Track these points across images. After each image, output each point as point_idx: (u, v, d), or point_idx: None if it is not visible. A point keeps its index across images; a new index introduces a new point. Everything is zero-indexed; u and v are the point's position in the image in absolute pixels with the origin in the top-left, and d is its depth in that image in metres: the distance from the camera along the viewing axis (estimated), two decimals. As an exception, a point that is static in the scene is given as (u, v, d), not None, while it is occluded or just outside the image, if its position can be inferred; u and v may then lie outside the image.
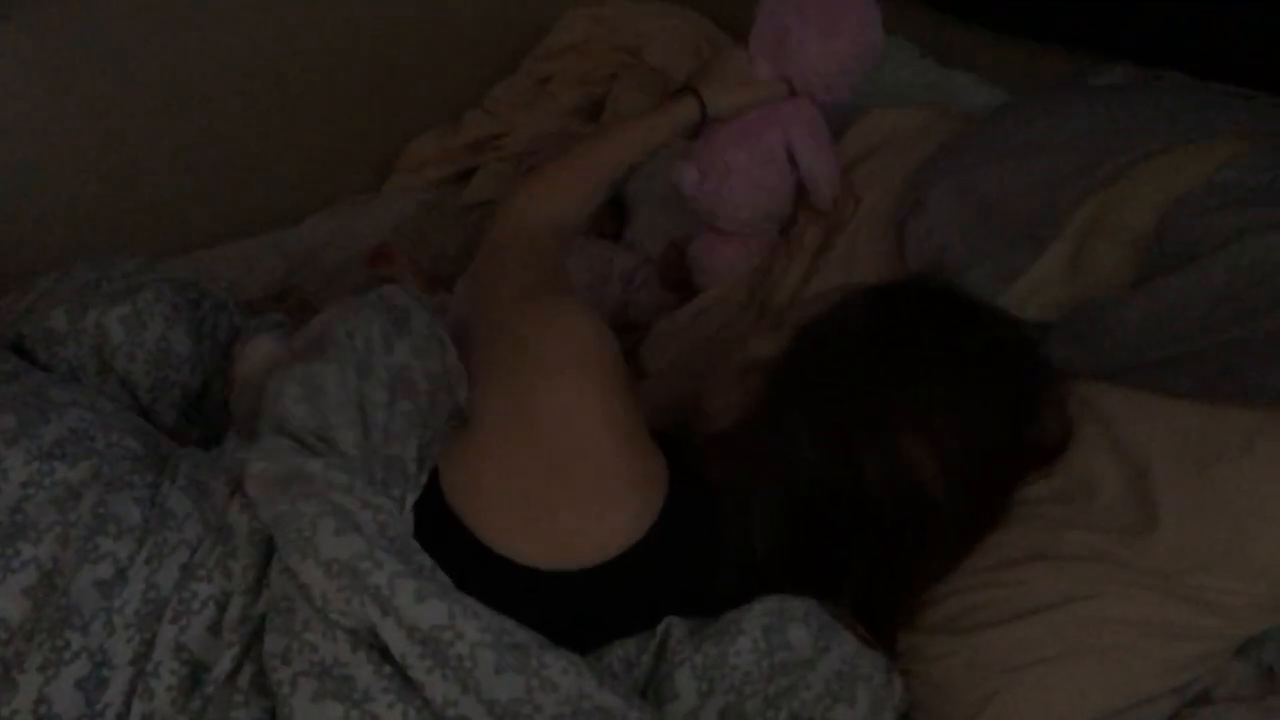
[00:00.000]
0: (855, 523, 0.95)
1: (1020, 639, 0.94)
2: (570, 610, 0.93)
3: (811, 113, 1.28)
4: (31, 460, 0.91)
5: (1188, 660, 0.93)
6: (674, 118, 1.23)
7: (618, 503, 0.94)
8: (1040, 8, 1.47)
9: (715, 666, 0.92)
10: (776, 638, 0.93)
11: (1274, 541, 0.90)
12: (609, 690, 0.87)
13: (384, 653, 0.86)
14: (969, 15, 1.56)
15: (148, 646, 0.88)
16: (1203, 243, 1.03)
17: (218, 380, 1.20)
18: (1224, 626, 0.93)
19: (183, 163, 1.73)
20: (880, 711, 0.95)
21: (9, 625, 0.86)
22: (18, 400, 0.96)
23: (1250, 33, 1.28)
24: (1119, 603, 0.93)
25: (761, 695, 0.92)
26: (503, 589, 0.91)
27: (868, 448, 0.93)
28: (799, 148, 1.27)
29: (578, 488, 0.94)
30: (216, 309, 1.22)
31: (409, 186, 1.85)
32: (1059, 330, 1.07)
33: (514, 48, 1.98)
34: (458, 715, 0.84)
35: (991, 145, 1.19)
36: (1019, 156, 1.15)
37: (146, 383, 1.12)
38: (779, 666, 0.93)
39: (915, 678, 0.98)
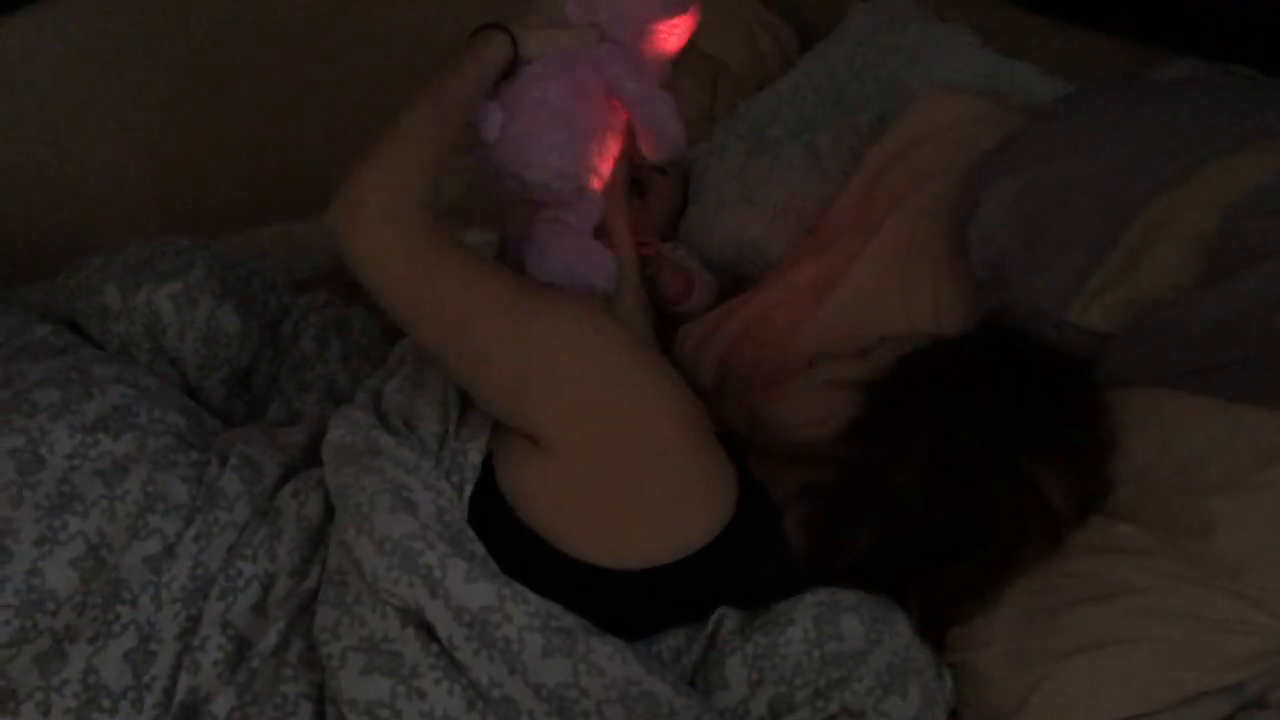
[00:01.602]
0: (956, 533, 0.95)
1: (1068, 628, 0.93)
2: (629, 602, 0.93)
3: (626, 57, 1.15)
4: (75, 433, 0.93)
5: (1241, 657, 0.91)
6: (482, 60, 1.06)
7: (688, 509, 0.93)
8: (1105, -3, 1.44)
9: (765, 656, 0.92)
10: (828, 628, 0.93)
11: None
12: (657, 677, 0.87)
13: (432, 630, 0.87)
14: (1030, 3, 1.53)
15: (194, 622, 0.90)
16: (1269, 244, 1.01)
17: (265, 356, 1.21)
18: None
19: (233, 146, 1.75)
20: (932, 706, 0.95)
21: (56, 597, 0.88)
22: (61, 375, 0.98)
23: (1323, 28, 1.24)
24: (1171, 596, 0.92)
25: (812, 686, 0.92)
26: (560, 582, 0.91)
27: (987, 467, 0.94)
28: (626, 85, 1.13)
29: (647, 494, 0.92)
30: (266, 288, 1.23)
31: (456, 169, 1.84)
32: (1122, 339, 1.05)
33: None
34: (503, 696, 0.85)
35: (1053, 142, 1.16)
36: (1082, 155, 1.12)
37: (196, 360, 1.13)
38: (830, 658, 0.92)
39: (956, 668, 0.98)
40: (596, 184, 1.16)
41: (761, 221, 1.43)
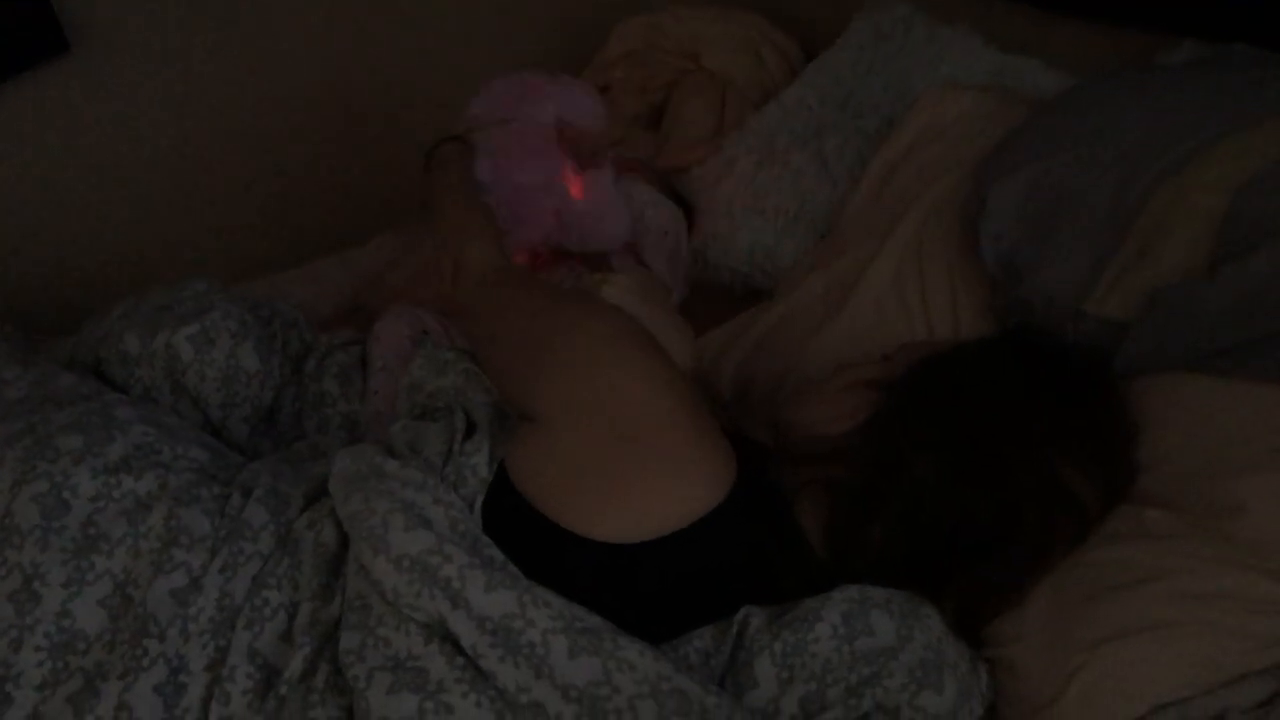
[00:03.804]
0: (982, 529, 0.94)
1: (1103, 615, 0.91)
2: (647, 586, 0.92)
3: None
4: (98, 475, 0.94)
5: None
6: (453, 156, 1.33)
7: (689, 472, 0.94)
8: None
9: (795, 654, 0.91)
10: (858, 624, 0.92)
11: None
12: (685, 676, 0.87)
13: (456, 644, 0.87)
14: None
15: (222, 652, 0.90)
16: (1279, 222, 1.00)
17: (288, 394, 1.23)
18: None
19: (253, 191, 1.78)
20: (968, 699, 0.93)
21: (86, 636, 0.89)
22: (84, 420, 0.99)
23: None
24: (1206, 578, 0.90)
25: (844, 684, 0.91)
26: (579, 568, 0.91)
27: (1009, 461, 0.94)
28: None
29: (649, 460, 0.93)
30: (286, 326, 1.25)
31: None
32: (1139, 327, 1.04)
33: (573, 59, 1.99)
34: (531, 701, 0.85)
35: (1059, 134, 1.16)
36: (1088, 145, 1.12)
37: (217, 399, 1.15)
38: (861, 654, 0.91)
39: (992, 662, 0.96)
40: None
41: (774, 230, 1.43)
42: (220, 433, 1.16)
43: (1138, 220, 1.07)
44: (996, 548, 0.94)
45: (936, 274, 1.25)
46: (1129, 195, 1.08)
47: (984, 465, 0.94)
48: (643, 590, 0.92)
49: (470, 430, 1.02)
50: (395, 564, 0.88)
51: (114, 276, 1.68)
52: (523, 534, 0.93)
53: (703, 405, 0.99)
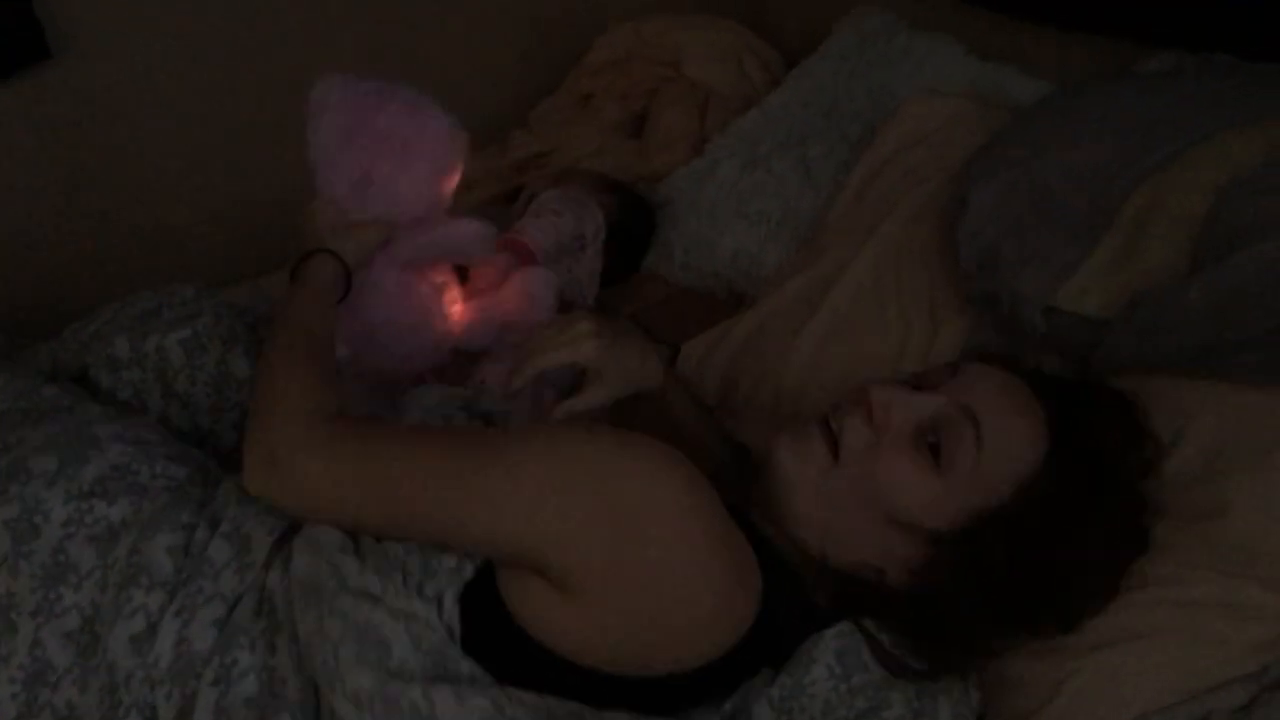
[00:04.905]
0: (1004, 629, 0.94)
1: (1091, 625, 0.92)
2: (651, 696, 0.89)
3: (418, 229, 1.19)
4: (70, 500, 0.92)
5: (1264, 642, 0.91)
6: (318, 288, 1.07)
7: (715, 630, 0.87)
8: (1083, -2, 1.46)
9: (793, 697, 0.90)
10: (852, 659, 0.91)
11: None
12: None
13: None
14: (1011, 9, 1.55)
15: (189, 702, 0.87)
16: (1258, 225, 1.02)
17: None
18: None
19: (235, 194, 1.77)
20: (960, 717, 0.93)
21: (55, 668, 0.88)
22: (60, 440, 0.97)
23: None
24: (1192, 586, 0.91)
25: (842, 718, 0.90)
26: (577, 684, 0.86)
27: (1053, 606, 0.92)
28: (426, 247, 1.20)
29: (678, 630, 0.86)
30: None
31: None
32: (1120, 325, 1.05)
33: (557, 65, 1.99)
34: None
35: (1039, 138, 1.18)
36: (1068, 148, 1.14)
37: (207, 404, 1.14)
38: (857, 689, 0.90)
39: (982, 672, 0.96)
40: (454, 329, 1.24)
41: (757, 235, 1.44)
42: (209, 437, 1.15)
43: (1116, 220, 1.09)
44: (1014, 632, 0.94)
45: (915, 275, 1.26)
46: (1109, 195, 1.10)
47: (1022, 610, 0.92)
48: (644, 700, 0.89)
49: None
50: (353, 700, 0.83)
51: (95, 280, 1.67)
52: (506, 636, 0.87)
53: (718, 510, 0.87)
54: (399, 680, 0.83)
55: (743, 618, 0.87)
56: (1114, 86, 1.24)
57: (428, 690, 0.82)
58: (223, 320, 1.16)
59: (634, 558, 0.82)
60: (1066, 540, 0.88)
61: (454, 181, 1.19)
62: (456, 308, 1.25)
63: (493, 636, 0.86)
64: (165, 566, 0.91)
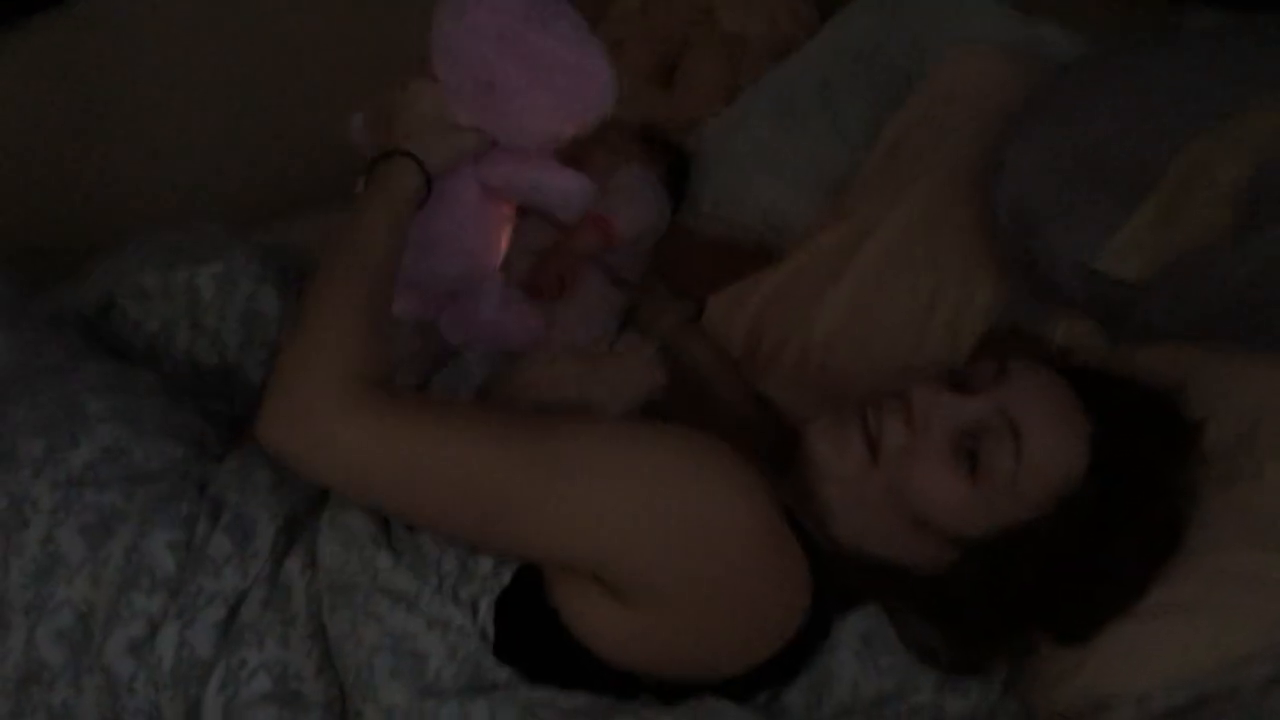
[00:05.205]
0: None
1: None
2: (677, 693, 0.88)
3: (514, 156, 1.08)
4: (58, 488, 0.89)
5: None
6: (396, 197, 0.95)
7: (772, 637, 0.87)
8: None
9: (821, 682, 0.90)
10: (877, 640, 0.91)
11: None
12: None
13: None
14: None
15: (193, 705, 0.86)
16: (1305, 192, 1.00)
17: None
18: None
19: (256, 136, 1.76)
20: (988, 694, 0.94)
21: (51, 668, 0.86)
22: (50, 420, 0.93)
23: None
24: (1224, 559, 0.91)
25: (871, 700, 0.91)
26: (618, 685, 0.86)
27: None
28: (517, 184, 1.09)
29: (737, 638, 0.86)
30: (301, 274, 1.24)
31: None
32: (1158, 289, 1.04)
33: (586, 12, 1.96)
34: None
35: (1081, 95, 1.15)
36: (1110, 106, 1.11)
37: (235, 341, 1.14)
38: (885, 669, 0.91)
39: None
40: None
41: (787, 188, 1.42)
42: (234, 374, 1.15)
43: (1159, 183, 1.07)
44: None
45: (949, 235, 1.24)
46: (1151, 158, 1.07)
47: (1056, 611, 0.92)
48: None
49: None
50: (387, 715, 0.82)
51: (114, 221, 1.66)
52: (546, 639, 0.85)
53: (774, 508, 0.85)
54: (433, 698, 0.81)
55: (795, 621, 0.86)
56: (1157, 46, 1.21)
57: (464, 705, 0.81)
58: (254, 258, 1.16)
59: (700, 569, 0.81)
60: (1099, 557, 0.87)
61: (578, 130, 1.05)
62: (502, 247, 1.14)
63: (529, 639, 0.85)
64: (167, 565, 0.88)
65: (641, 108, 1.73)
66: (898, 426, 0.89)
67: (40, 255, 1.50)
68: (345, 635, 0.84)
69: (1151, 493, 0.89)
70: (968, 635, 0.91)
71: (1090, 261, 1.06)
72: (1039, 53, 1.40)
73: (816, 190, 1.42)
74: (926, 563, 0.89)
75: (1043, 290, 1.12)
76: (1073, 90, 1.16)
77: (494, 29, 0.98)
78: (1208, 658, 0.90)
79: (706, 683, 0.87)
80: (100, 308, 1.15)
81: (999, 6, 1.51)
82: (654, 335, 1.37)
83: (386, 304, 0.90)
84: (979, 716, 0.93)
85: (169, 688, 0.85)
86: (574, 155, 1.10)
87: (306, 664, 0.87)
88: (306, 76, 1.75)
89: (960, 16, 1.49)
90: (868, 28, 1.55)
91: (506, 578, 0.85)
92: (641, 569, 0.81)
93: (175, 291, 1.12)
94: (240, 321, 1.14)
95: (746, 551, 0.82)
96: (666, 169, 1.47)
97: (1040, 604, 0.89)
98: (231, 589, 0.88)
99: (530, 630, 0.85)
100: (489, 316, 1.13)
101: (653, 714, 0.85)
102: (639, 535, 0.80)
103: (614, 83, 1.03)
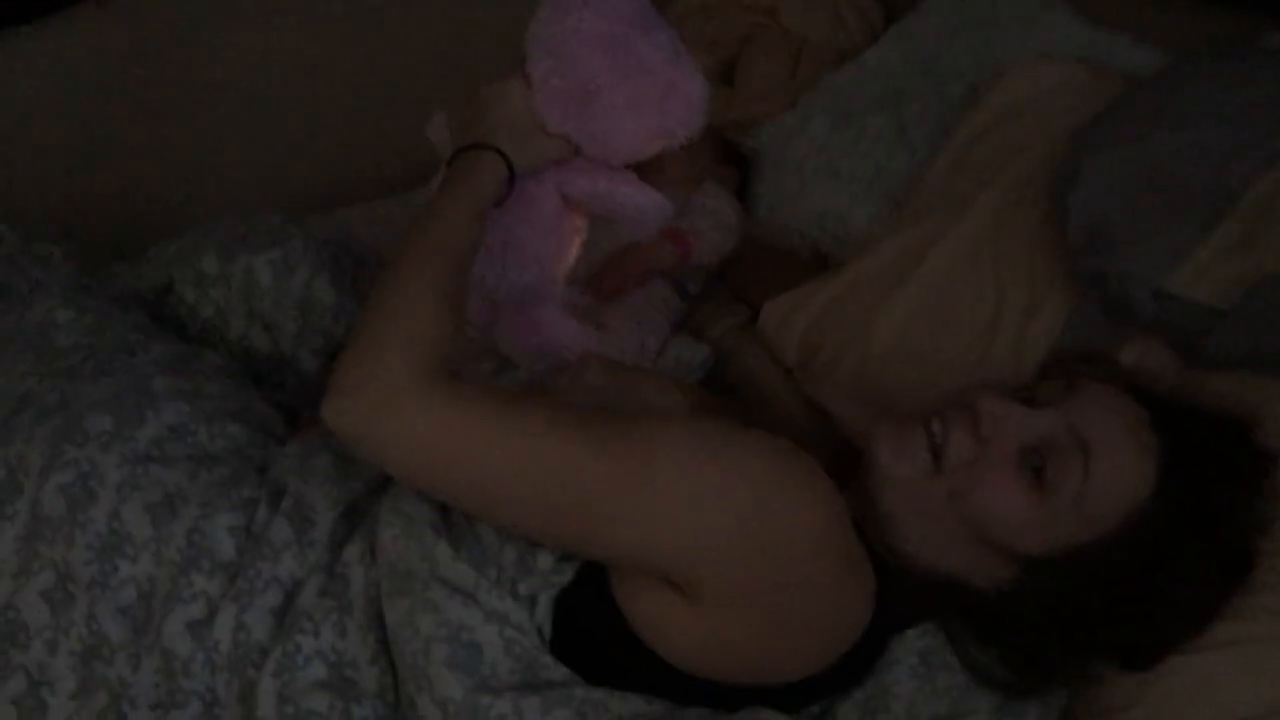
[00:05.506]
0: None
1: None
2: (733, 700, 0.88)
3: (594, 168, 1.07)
4: (125, 464, 0.90)
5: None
6: (479, 191, 0.94)
7: (839, 644, 0.86)
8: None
9: (877, 699, 0.89)
10: (935, 660, 0.90)
11: None
12: None
13: None
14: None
15: (248, 689, 0.86)
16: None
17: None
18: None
19: (314, 126, 1.77)
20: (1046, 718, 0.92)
21: (110, 642, 0.87)
22: (118, 397, 0.94)
23: None
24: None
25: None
26: (676, 688, 0.85)
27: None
28: (597, 195, 1.07)
29: (806, 646, 0.86)
30: (356, 265, 1.24)
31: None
32: (1234, 317, 1.01)
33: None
34: None
35: (1158, 110, 1.12)
36: (1190, 123, 1.09)
37: (291, 329, 1.15)
38: (942, 690, 0.89)
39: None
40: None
41: (846, 195, 1.41)
42: (289, 363, 1.15)
43: (1238, 205, 1.04)
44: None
45: (1015, 248, 1.21)
46: (1230, 178, 1.05)
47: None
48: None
49: None
50: (441, 707, 0.81)
51: (175, 209, 1.68)
52: (607, 640, 0.84)
53: (844, 516, 0.85)
54: (488, 693, 0.80)
55: (856, 632, 0.86)
56: (1238, 62, 1.18)
57: (517, 702, 0.80)
58: (311, 246, 1.16)
59: (780, 573, 0.80)
60: (1162, 581, 0.85)
61: (666, 147, 1.05)
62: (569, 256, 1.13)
63: (589, 638, 0.85)
64: (227, 547, 0.89)
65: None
66: (963, 437, 0.88)
67: (103, 241, 1.53)
68: (402, 623, 0.84)
69: (1219, 519, 0.86)
70: (1026, 656, 0.89)
71: (1162, 282, 1.04)
72: (1111, 66, 1.37)
73: (876, 198, 1.40)
74: (986, 578, 0.87)
75: (1113, 309, 1.09)
76: (1150, 106, 1.14)
77: (602, 35, 0.97)
78: (1273, 694, 0.87)
79: (765, 690, 0.86)
80: (158, 291, 1.16)
81: (1070, 17, 1.48)
82: (708, 341, 1.36)
83: (463, 294, 0.89)
84: None
85: (225, 670, 0.86)
86: (648, 162, 1.09)
87: (361, 652, 0.87)
88: (375, 69, 1.76)
89: (1030, 26, 1.47)
90: (935, 34, 1.53)
91: (568, 575, 0.85)
92: (722, 571, 0.79)
93: (233, 277, 1.13)
94: (297, 309, 1.14)
95: (824, 558, 0.82)
96: (740, 183, 1.47)
97: (1101, 626, 0.87)
98: (288, 575, 0.89)
99: (591, 629, 0.84)
100: (548, 329, 1.13)
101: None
102: (722, 537, 0.79)
103: (706, 102, 1.01)
